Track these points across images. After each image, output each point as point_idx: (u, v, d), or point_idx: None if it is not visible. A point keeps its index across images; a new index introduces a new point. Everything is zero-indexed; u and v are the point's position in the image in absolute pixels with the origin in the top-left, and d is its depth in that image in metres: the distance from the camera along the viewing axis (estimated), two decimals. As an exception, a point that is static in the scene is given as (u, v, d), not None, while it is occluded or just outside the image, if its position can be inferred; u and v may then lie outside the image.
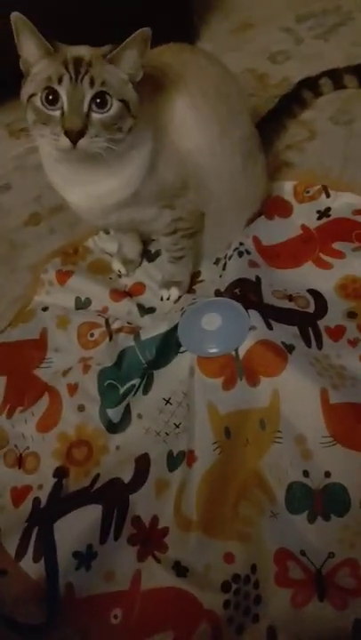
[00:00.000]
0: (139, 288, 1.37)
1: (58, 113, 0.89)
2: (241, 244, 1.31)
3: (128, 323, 1.26)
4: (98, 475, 1.06)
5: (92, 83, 0.87)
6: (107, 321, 1.27)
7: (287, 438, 1.01)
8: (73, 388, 1.17)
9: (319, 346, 1.13)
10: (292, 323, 1.16)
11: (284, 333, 1.12)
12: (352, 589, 0.87)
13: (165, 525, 0.99)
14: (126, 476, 1.03)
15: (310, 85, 1.59)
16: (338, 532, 0.93)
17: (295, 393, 1.03)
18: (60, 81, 0.87)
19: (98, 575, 0.95)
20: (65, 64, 0.88)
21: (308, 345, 1.13)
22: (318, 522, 0.94)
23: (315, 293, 1.23)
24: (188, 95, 1.08)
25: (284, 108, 1.56)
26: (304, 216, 1.37)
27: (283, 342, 1.08)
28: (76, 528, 0.98)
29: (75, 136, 0.88)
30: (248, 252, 1.29)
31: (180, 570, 0.94)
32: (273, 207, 1.39)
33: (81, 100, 0.88)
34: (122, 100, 0.90)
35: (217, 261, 1.35)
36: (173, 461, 1.05)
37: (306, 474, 0.98)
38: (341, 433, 0.99)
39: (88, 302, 1.34)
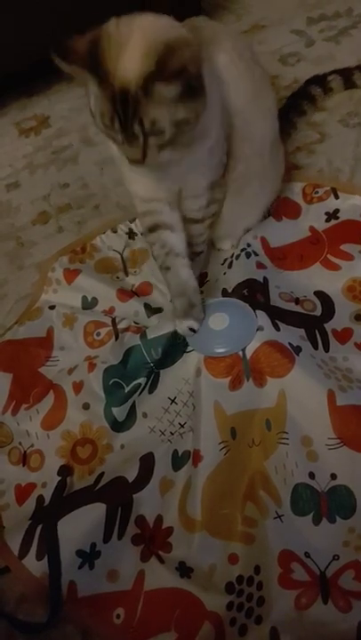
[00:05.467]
0: (146, 288, 1.37)
1: (119, 136, 0.87)
2: (248, 245, 1.30)
3: (135, 323, 1.26)
4: (102, 473, 1.05)
5: (141, 125, 0.84)
6: (113, 320, 1.26)
7: (293, 439, 1.01)
8: (78, 387, 1.17)
9: (326, 348, 1.13)
10: (298, 325, 1.15)
11: (292, 335, 1.11)
12: (357, 592, 0.87)
13: (170, 525, 0.99)
14: (130, 475, 1.03)
15: (319, 82, 1.58)
16: (343, 534, 0.92)
17: (302, 394, 1.03)
18: (111, 121, 0.85)
19: (101, 574, 0.95)
20: (113, 100, 0.83)
21: (315, 347, 1.12)
22: (323, 524, 0.94)
23: (322, 296, 1.23)
24: (227, 52, 1.05)
25: (294, 105, 1.56)
26: (312, 218, 1.37)
27: (290, 343, 1.08)
28: (79, 527, 0.98)
29: (138, 162, 0.90)
30: (256, 254, 1.29)
31: (184, 570, 0.93)
32: (281, 208, 1.38)
33: (135, 136, 0.86)
34: (178, 121, 0.86)
35: (224, 262, 1.35)
36: (178, 461, 1.05)
37: (312, 475, 0.97)
38: (348, 435, 0.98)
39: (95, 302, 1.33)
